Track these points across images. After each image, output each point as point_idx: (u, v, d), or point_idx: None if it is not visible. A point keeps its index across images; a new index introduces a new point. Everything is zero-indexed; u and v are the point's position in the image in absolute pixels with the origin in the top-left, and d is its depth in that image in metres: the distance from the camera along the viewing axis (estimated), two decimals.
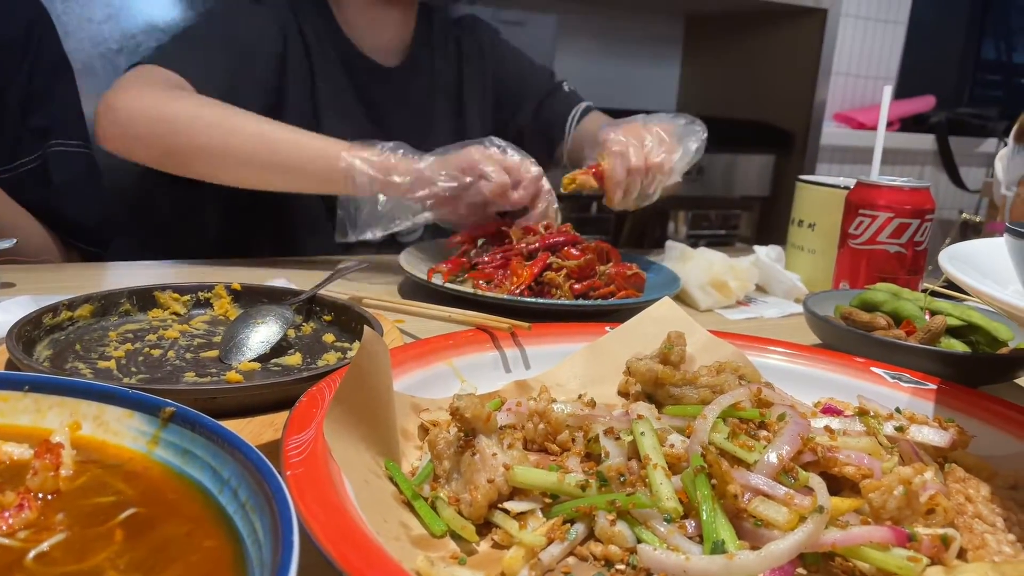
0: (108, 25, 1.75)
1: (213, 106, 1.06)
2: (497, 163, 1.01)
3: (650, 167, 1.06)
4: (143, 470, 0.42)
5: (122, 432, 0.45)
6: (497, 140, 1.04)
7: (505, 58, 1.47)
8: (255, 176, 1.06)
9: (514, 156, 1.03)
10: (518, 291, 0.94)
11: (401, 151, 1.03)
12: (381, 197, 1.03)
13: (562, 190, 1.10)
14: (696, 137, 1.12)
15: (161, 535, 0.37)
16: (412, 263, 1.04)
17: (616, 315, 0.89)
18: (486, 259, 1.01)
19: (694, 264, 1.08)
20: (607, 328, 0.73)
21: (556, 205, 1.08)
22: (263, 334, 0.73)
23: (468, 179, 1.00)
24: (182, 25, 1.60)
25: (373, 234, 1.04)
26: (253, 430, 0.56)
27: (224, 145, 1.03)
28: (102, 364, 0.67)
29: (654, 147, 1.07)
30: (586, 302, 0.94)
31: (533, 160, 1.05)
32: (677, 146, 1.09)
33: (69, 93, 1.27)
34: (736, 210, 2.60)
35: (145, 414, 0.44)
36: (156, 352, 0.71)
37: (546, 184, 1.06)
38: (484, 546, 0.46)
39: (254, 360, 0.70)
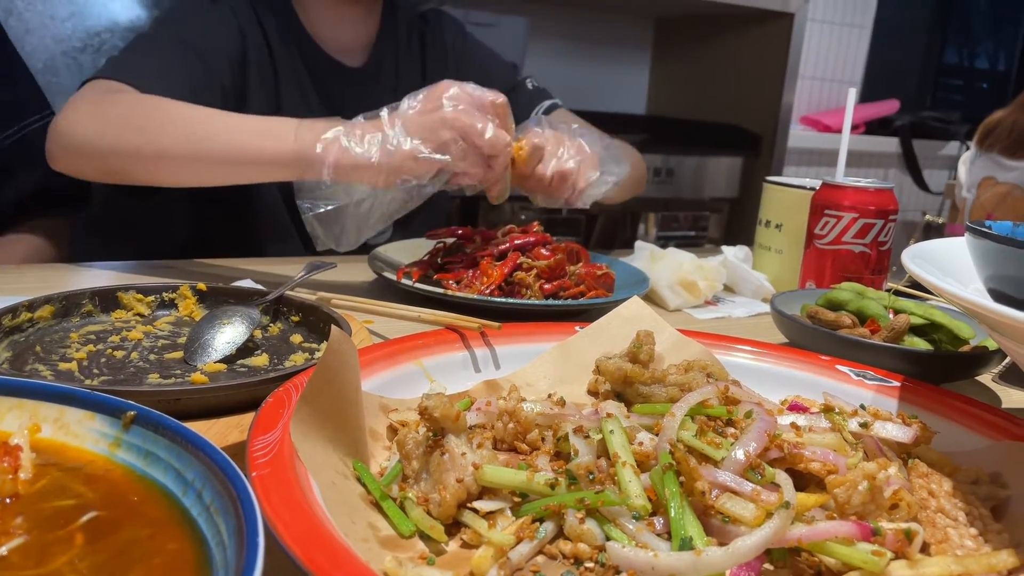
0: (71, 23, 1.72)
1: (144, 104, 0.99)
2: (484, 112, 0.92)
3: (557, 174, 1.01)
4: (104, 473, 0.42)
5: (83, 434, 0.44)
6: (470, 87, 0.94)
7: (469, 55, 1.46)
8: (198, 174, 0.97)
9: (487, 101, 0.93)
10: (488, 291, 0.93)
11: (359, 130, 0.91)
12: (358, 197, 0.92)
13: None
14: (617, 171, 1.07)
15: (123, 538, 0.36)
16: (381, 264, 1.04)
17: (586, 315, 0.90)
18: (456, 259, 1.00)
19: (663, 264, 1.08)
20: (577, 328, 0.73)
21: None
22: (229, 335, 0.72)
23: (454, 149, 0.90)
24: (133, 35, 1.56)
25: (355, 241, 0.95)
26: (218, 432, 0.55)
27: (157, 147, 0.95)
28: (63, 366, 0.66)
29: (569, 158, 1.02)
30: (556, 302, 0.94)
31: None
32: (594, 170, 1.04)
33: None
34: (705, 212, 2.62)
35: (107, 416, 0.44)
36: (119, 354, 0.70)
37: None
38: (453, 546, 0.46)
39: (220, 361, 0.69)
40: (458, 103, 0.91)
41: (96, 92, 1.03)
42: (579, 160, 1.03)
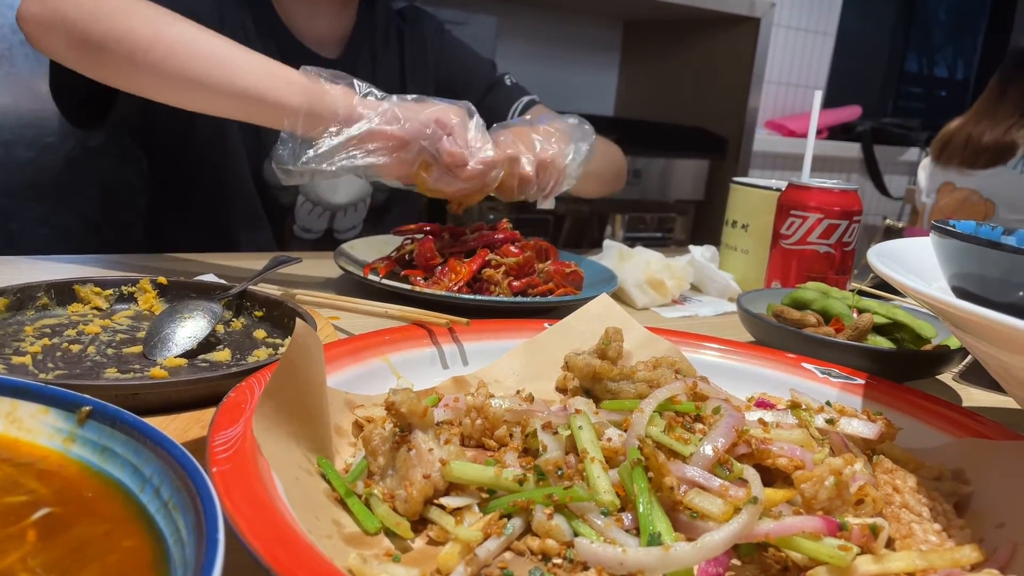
0: None
1: (150, 4, 0.93)
2: (466, 130, 0.93)
3: (541, 163, 1.00)
4: (58, 468, 0.40)
5: (36, 429, 0.42)
6: (473, 109, 0.96)
7: (448, 51, 1.46)
8: (178, 89, 0.91)
9: (479, 133, 0.95)
10: (456, 288, 0.93)
11: (359, 96, 0.93)
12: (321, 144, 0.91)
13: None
14: (586, 137, 1.07)
15: (77, 535, 0.35)
16: (348, 259, 1.03)
17: (554, 312, 0.89)
18: (424, 255, 0.99)
19: (631, 263, 1.08)
20: (545, 324, 0.72)
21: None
22: (190, 329, 0.70)
23: (428, 130, 0.90)
24: None
25: (310, 176, 0.92)
26: (178, 427, 0.53)
27: (150, 41, 0.89)
28: (16, 360, 0.63)
29: (544, 144, 1.02)
30: (525, 299, 0.93)
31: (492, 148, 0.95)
32: (568, 143, 1.04)
33: None
34: (671, 213, 2.64)
35: (61, 410, 0.42)
36: (75, 348, 0.68)
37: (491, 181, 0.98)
38: (419, 543, 0.45)
39: (180, 356, 0.67)
40: (443, 125, 0.91)
41: None
42: (553, 143, 1.02)
